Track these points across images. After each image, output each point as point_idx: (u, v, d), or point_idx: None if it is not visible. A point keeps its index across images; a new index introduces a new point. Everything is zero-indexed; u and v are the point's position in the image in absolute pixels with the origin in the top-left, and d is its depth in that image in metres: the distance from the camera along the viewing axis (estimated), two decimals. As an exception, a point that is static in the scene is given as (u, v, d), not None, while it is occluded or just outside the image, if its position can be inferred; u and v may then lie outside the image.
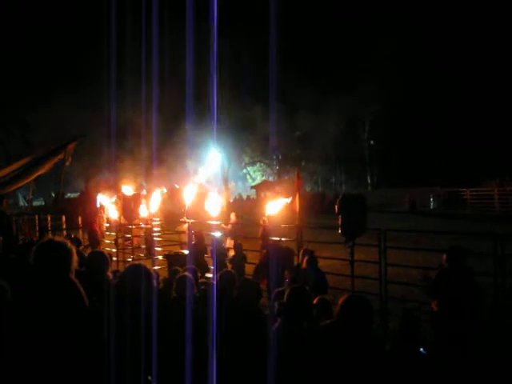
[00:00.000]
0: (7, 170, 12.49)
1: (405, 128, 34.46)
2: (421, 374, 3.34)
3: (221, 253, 8.31)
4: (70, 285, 2.53)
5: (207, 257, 8.51)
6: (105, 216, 12.74)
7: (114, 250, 10.35)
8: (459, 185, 25.34)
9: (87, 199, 14.61)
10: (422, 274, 5.86)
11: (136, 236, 12.30)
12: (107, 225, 12.68)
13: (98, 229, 12.03)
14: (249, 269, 8.09)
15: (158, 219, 12.20)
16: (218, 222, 9.52)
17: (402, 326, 3.61)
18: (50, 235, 10.16)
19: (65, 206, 15.97)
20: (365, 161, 40.85)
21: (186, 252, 8.82)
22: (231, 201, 26.33)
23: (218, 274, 3.96)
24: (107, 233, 12.53)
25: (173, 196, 15.89)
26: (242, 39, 29.22)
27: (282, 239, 7.78)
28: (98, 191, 13.34)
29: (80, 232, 12.76)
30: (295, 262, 6.92)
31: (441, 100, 32.10)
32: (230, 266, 7.64)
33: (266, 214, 8.59)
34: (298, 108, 30.91)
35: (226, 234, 9.86)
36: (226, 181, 28.45)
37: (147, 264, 3.10)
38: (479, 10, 30.29)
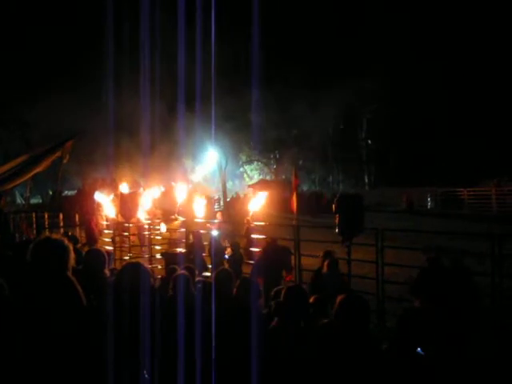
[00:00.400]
0: (5, 168, 12.48)
1: (403, 127, 34.44)
2: (417, 374, 3.35)
3: (219, 252, 8.32)
4: (68, 282, 2.53)
5: (205, 256, 8.53)
6: (103, 214, 12.74)
7: (111, 248, 10.34)
8: (457, 185, 25.32)
9: (85, 197, 14.64)
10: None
11: (133, 234, 12.31)
12: (105, 223, 12.67)
13: (95, 227, 12.03)
14: (245, 268, 8.09)
15: (148, 217, 12.24)
16: (204, 221, 9.64)
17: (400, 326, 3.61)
18: (48, 233, 10.13)
19: (62, 204, 15.92)
20: (362, 160, 40.85)
21: (182, 250, 8.85)
22: (228, 199, 26.33)
23: (215, 272, 3.95)
24: (105, 231, 12.52)
25: (167, 194, 15.93)
26: (242, 39, 29.20)
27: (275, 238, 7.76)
28: (95, 189, 13.35)
29: (77, 230, 12.74)
30: (317, 267, 6.36)
31: (439, 100, 32.10)
32: (227, 265, 7.64)
33: (250, 213, 8.67)
34: (295, 107, 30.84)
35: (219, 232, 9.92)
36: (223, 179, 28.42)
37: (144, 262, 3.10)
38: (481, 11, 30.29)
